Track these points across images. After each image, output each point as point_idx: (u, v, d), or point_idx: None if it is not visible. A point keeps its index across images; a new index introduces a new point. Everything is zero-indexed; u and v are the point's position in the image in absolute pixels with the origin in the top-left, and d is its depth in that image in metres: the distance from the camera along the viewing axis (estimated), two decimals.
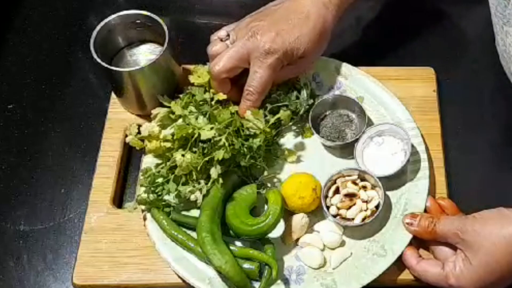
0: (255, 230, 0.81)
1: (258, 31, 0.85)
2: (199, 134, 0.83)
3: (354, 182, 0.85)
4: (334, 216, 0.84)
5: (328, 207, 0.84)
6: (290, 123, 0.91)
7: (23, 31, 1.08)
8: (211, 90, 0.89)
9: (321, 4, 0.87)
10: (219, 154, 0.81)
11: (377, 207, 0.83)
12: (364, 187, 0.85)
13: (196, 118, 0.85)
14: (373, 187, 0.85)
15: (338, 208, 0.84)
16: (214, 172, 0.82)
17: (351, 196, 0.84)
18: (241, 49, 0.85)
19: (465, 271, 0.75)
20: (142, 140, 0.88)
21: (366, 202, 0.84)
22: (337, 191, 0.85)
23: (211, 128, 0.83)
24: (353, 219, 0.83)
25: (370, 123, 0.91)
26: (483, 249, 0.74)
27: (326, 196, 0.84)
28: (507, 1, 0.82)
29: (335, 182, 0.85)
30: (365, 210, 0.83)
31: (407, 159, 0.85)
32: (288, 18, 0.86)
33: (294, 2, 0.88)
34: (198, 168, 0.82)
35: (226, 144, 0.82)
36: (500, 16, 0.84)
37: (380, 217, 0.84)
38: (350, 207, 0.84)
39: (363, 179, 0.85)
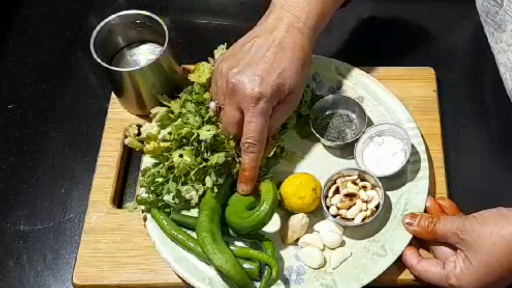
0: (253, 220, 0.80)
1: (237, 83, 0.80)
2: (198, 134, 0.83)
3: (354, 182, 0.85)
4: (334, 216, 0.84)
5: (328, 207, 0.84)
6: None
7: (23, 31, 1.08)
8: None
9: (295, 30, 0.82)
10: (213, 159, 0.81)
11: (377, 207, 0.83)
12: (364, 187, 0.85)
13: (195, 116, 0.85)
14: (373, 187, 0.85)
15: (338, 208, 0.84)
16: (209, 181, 0.82)
17: (351, 196, 0.84)
18: (231, 111, 0.82)
19: (465, 271, 0.75)
20: (141, 141, 0.88)
21: (366, 202, 0.84)
22: (337, 191, 0.85)
23: (209, 130, 0.83)
24: (353, 219, 0.83)
25: (370, 123, 0.91)
26: (483, 248, 0.74)
27: (326, 196, 0.84)
28: (498, 8, 0.82)
29: (335, 182, 0.85)
30: (365, 210, 0.83)
31: (407, 159, 0.85)
32: (263, 56, 0.81)
33: (266, 35, 0.82)
34: (191, 174, 0.82)
35: (231, 144, 0.81)
36: (491, 23, 0.85)
37: (380, 217, 0.84)
38: (350, 207, 0.83)
39: (363, 179, 0.85)
